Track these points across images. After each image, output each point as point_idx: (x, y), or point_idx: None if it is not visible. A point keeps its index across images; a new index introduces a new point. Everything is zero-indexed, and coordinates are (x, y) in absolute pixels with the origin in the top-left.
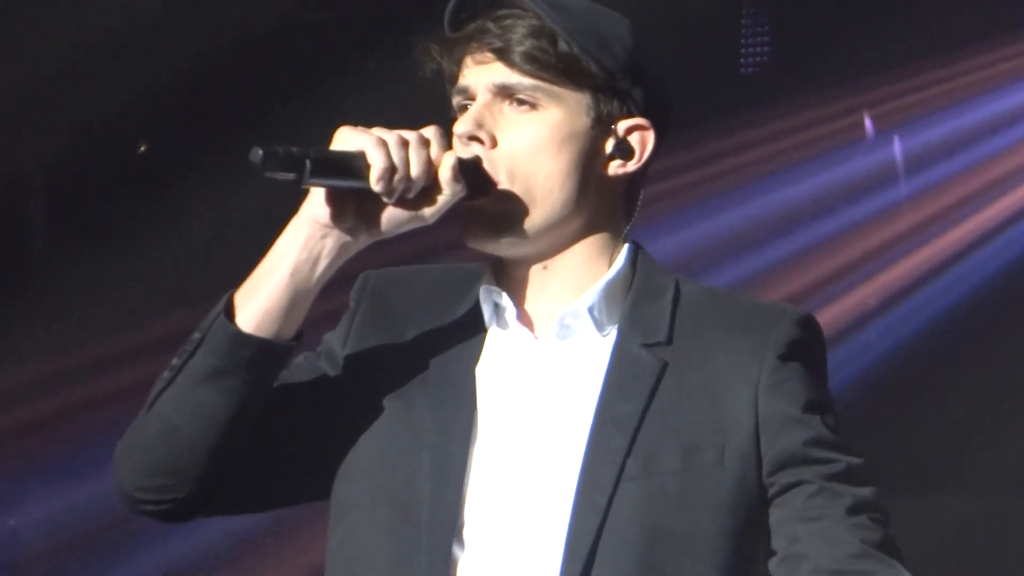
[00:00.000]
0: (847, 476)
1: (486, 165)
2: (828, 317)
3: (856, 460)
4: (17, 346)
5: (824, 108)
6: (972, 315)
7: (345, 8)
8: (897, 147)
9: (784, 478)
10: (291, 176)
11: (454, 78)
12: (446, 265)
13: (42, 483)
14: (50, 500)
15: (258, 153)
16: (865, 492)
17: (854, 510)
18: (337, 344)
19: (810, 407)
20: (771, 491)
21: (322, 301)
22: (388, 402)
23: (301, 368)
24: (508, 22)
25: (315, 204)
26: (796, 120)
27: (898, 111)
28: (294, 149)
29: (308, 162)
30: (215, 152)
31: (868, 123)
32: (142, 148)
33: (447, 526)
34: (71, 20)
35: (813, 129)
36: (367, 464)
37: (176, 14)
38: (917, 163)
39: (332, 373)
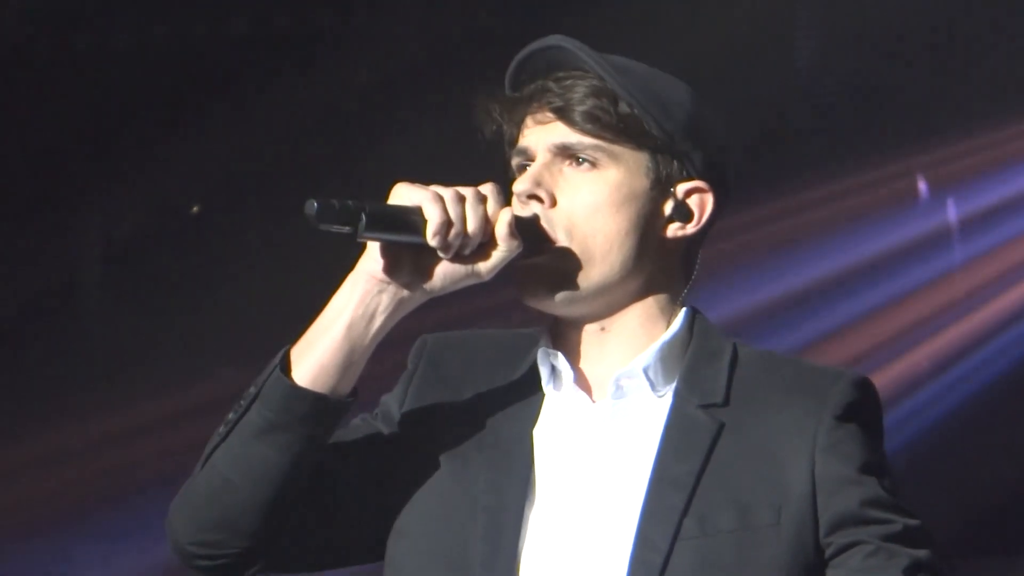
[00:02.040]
0: (904, 537)
1: (544, 224)
2: (882, 380)
3: (913, 521)
4: (68, 404)
5: (878, 170)
6: None
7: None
8: (951, 210)
9: (841, 539)
10: (346, 229)
11: (513, 140)
12: (503, 331)
13: (91, 543)
14: (98, 560)
15: (313, 205)
16: (922, 554)
17: (911, 570)
18: (394, 406)
19: (867, 468)
20: (828, 551)
21: (378, 360)
22: (444, 462)
23: (358, 428)
24: (569, 82)
25: (371, 260)
26: (850, 182)
27: (952, 173)
28: (350, 201)
29: (364, 215)
30: (268, 212)
31: (922, 185)
32: (195, 209)
33: None
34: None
35: (867, 191)
36: (421, 524)
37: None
38: (971, 226)
39: (388, 433)
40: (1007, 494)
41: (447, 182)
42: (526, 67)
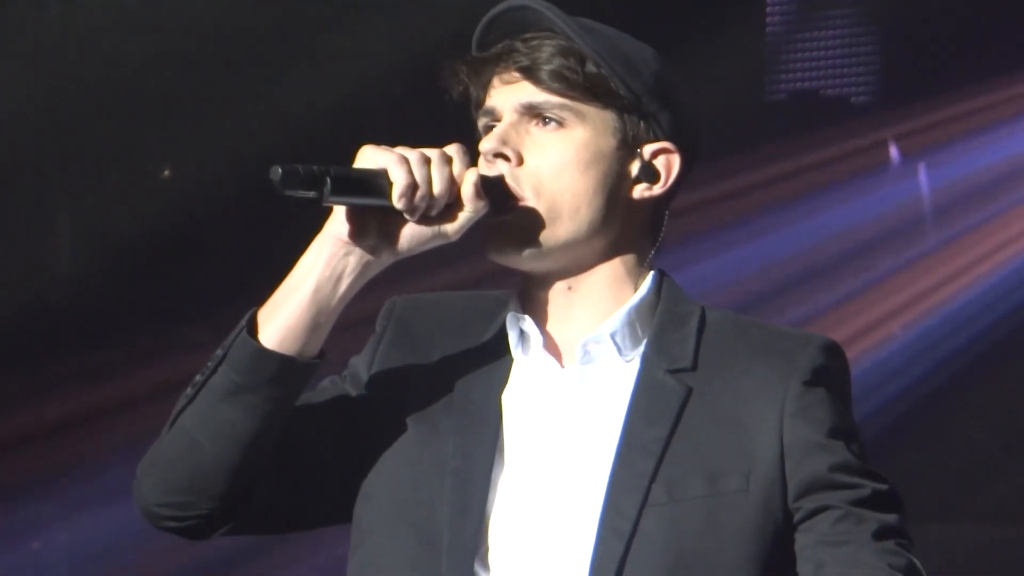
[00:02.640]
0: (873, 501)
1: (511, 182)
2: (855, 348)
3: (882, 486)
4: (44, 373)
5: (851, 137)
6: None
7: (372, 36)
8: (923, 175)
9: (809, 503)
10: (311, 194)
11: (480, 101)
12: (472, 292)
13: (66, 508)
14: (74, 525)
15: (277, 171)
16: (890, 518)
17: (880, 535)
18: (363, 368)
19: (835, 433)
20: (796, 516)
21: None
22: (412, 426)
23: (326, 391)
24: (536, 43)
25: (337, 222)
26: (822, 150)
27: (925, 140)
28: (314, 167)
29: (329, 180)
30: (240, 180)
31: (894, 151)
32: (166, 173)
33: (467, 551)
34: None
35: (840, 159)
36: (388, 487)
37: (206, 42)
38: (944, 190)
39: (356, 396)
40: (975, 459)
41: (414, 144)
42: (493, 27)
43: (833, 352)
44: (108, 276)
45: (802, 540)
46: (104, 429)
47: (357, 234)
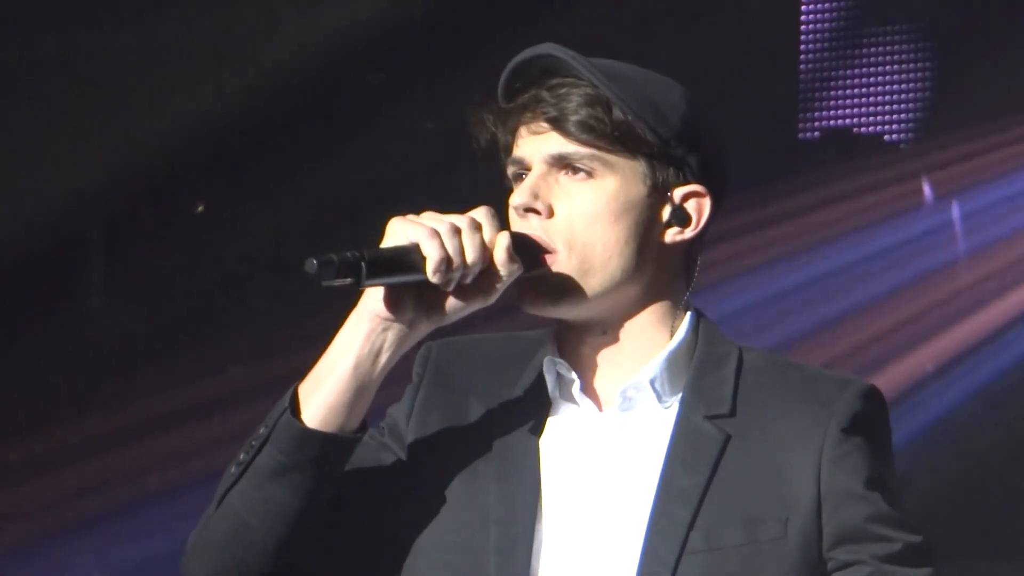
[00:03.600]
0: (904, 557)
1: (542, 235)
2: (885, 381)
3: (915, 539)
4: (74, 401)
5: (885, 171)
6: None
7: (402, 70)
8: (956, 212)
9: (842, 555)
10: (348, 281)
11: (509, 148)
12: (507, 335)
13: (92, 542)
14: (98, 560)
15: (313, 264)
16: (920, 574)
17: None
18: (401, 419)
19: (872, 483)
20: (829, 565)
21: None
22: (453, 476)
23: (367, 447)
24: (563, 91)
25: (373, 299)
26: (855, 184)
27: (957, 176)
28: (348, 254)
29: (364, 265)
30: (272, 211)
31: (927, 188)
32: (199, 208)
33: None
34: (131, 76)
35: (872, 193)
36: (434, 539)
37: (234, 75)
38: (975, 226)
39: (397, 449)
40: (1010, 495)
41: (440, 207)
42: (518, 75)
43: (872, 397)
44: (140, 307)
45: None
46: (139, 459)
47: (394, 309)
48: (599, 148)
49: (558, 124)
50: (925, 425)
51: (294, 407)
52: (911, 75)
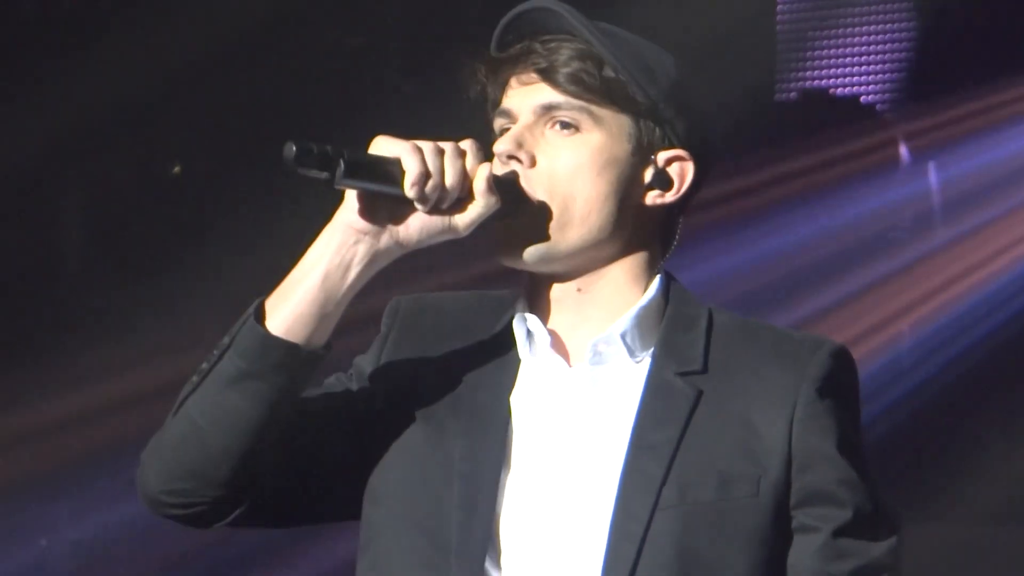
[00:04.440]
0: (862, 527)
1: (523, 183)
2: (861, 343)
3: (879, 505)
4: (50, 372)
5: (861, 136)
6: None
7: (382, 33)
8: (933, 174)
9: (803, 516)
10: (324, 175)
11: (497, 102)
12: (477, 292)
13: (73, 505)
14: (81, 522)
15: (292, 148)
16: (878, 550)
17: (858, 573)
18: (367, 366)
19: (842, 444)
20: (793, 523)
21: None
22: (419, 426)
23: (332, 387)
24: (554, 45)
25: (348, 210)
26: (832, 148)
27: (935, 139)
28: (328, 147)
29: (342, 161)
30: (251, 176)
31: (904, 151)
32: (176, 169)
33: (477, 554)
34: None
35: (850, 158)
36: (396, 488)
37: (213, 40)
38: (953, 189)
39: (363, 394)
40: (986, 458)
41: (429, 138)
42: (513, 28)
43: (844, 359)
44: (117, 272)
45: (791, 556)
46: (113, 425)
47: (368, 222)
48: (587, 101)
49: (548, 75)
50: (901, 386)
51: (259, 317)
52: (889, 36)
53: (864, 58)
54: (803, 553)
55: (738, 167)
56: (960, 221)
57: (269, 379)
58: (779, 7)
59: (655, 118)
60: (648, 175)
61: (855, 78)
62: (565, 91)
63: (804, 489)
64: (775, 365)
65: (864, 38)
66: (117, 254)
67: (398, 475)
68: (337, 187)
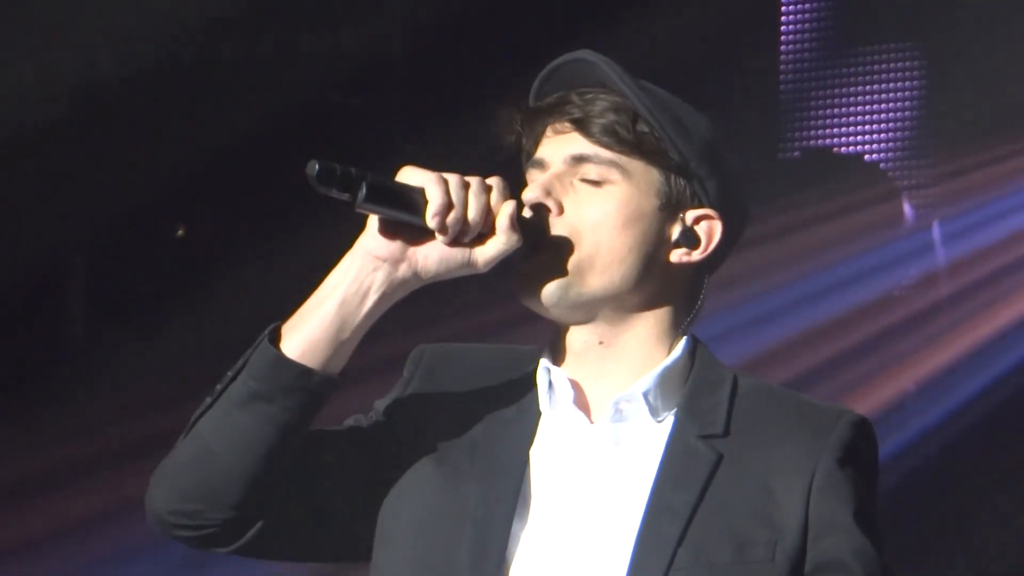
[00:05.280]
0: None
1: (547, 227)
2: (867, 399)
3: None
4: (56, 426)
5: (865, 191)
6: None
7: (381, 93)
8: (936, 232)
9: None
10: (345, 196)
11: (531, 152)
12: (502, 346)
13: (78, 562)
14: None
15: (315, 167)
16: None
17: None
18: (387, 409)
19: (859, 515)
20: None
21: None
22: (434, 469)
23: (350, 428)
24: (590, 96)
25: (369, 237)
26: (834, 204)
27: (938, 195)
28: (353, 169)
29: (364, 184)
30: (254, 235)
31: (908, 208)
32: (180, 232)
33: None
34: (111, 99)
35: (853, 214)
36: (408, 532)
37: (215, 98)
38: (955, 245)
39: (381, 436)
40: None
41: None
42: (551, 80)
43: (863, 429)
44: (122, 333)
45: None
46: (117, 486)
47: (388, 250)
48: (619, 153)
49: (581, 125)
50: (906, 442)
51: (275, 340)
52: (892, 95)
53: (867, 116)
54: None
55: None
56: (966, 276)
57: (281, 401)
58: (782, 66)
59: (686, 175)
60: (675, 232)
61: (858, 136)
62: (598, 142)
63: (819, 557)
64: (797, 433)
65: (866, 96)
66: (121, 311)
67: (410, 516)
68: (358, 210)
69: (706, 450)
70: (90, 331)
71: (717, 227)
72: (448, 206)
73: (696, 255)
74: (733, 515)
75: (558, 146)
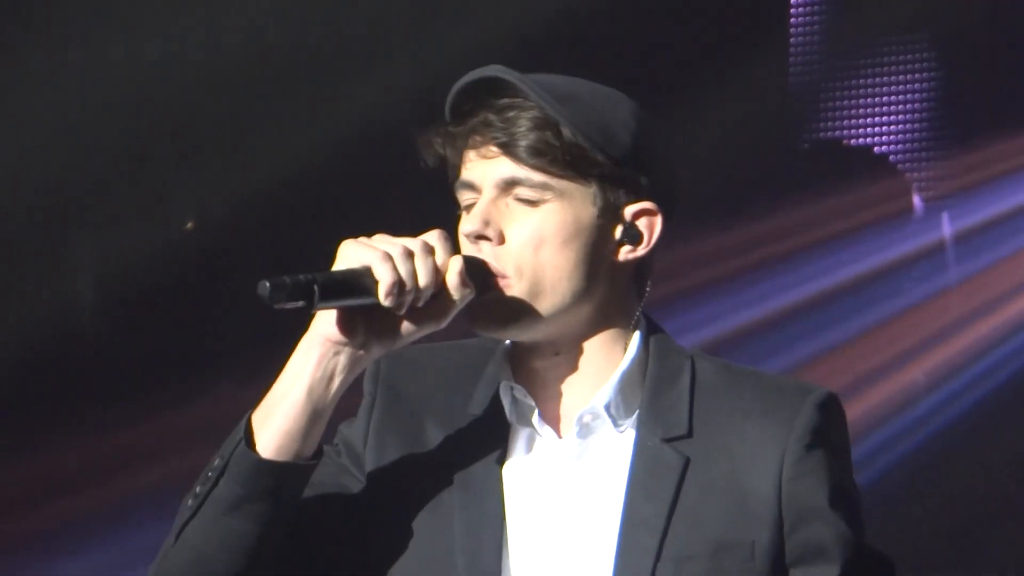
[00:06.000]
0: None
1: (494, 261)
2: (877, 394)
3: (871, 559)
4: (67, 422)
5: (873, 185)
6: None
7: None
8: (946, 224)
9: (800, 574)
10: (300, 303)
11: (457, 170)
12: (453, 343)
13: (87, 565)
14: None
15: (266, 286)
16: None
17: None
18: (357, 441)
19: (833, 498)
20: None
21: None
22: (416, 506)
23: (326, 467)
24: (511, 114)
25: (325, 323)
26: (845, 199)
27: (948, 188)
28: (301, 277)
29: (316, 288)
30: (264, 226)
31: (917, 200)
32: (189, 225)
33: None
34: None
35: (863, 207)
36: (401, 570)
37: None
38: (967, 241)
39: (356, 472)
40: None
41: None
42: (466, 95)
43: (830, 408)
44: (131, 325)
45: None
46: (127, 479)
47: (346, 333)
48: (550, 173)
49: (508, 149)
50: (916, 431)
51: (248, 437)
52: (903, 87)
53: (877, 108)
54: None
55: (751, 218)
56: (974, 269)
57: (267, 501)
58: (791, 58)
59: (619, 177)
60: (618, 232)
61: (868, 128)
62: (527, 164)
63: (800, 547)
64: (760, 420)
65: (877, 88)
66: (129, 307)
67: (401, 557)
68: (315, 311)
69: (672, 456)
70: (98, 324)
71: (657, 220)
72: (399, 283)
73: (641, 250)
74: (707, 521)
75: (486, 169)
